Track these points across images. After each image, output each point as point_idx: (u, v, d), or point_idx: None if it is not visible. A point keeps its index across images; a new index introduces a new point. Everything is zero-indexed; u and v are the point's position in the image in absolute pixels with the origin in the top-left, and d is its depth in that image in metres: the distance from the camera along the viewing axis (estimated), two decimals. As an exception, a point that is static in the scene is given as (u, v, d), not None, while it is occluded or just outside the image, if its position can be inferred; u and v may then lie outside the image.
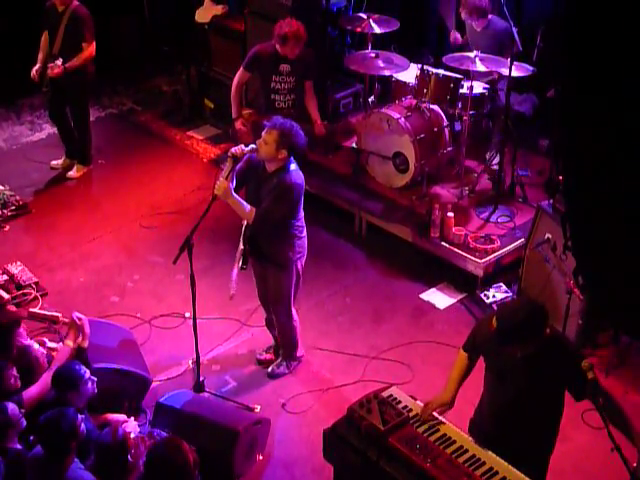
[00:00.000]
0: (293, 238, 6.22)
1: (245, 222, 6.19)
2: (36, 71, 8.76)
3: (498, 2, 7.75)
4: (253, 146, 5.95)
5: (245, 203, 6.01)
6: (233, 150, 5.95)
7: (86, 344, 5.84)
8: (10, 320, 5.96)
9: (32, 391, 5.51)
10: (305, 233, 6.30)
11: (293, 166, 6.05)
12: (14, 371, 5.49)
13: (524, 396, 4.69)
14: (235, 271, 6.26)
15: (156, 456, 4.84)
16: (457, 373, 5.07)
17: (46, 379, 5.54)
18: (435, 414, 5.02)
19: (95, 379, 5.51)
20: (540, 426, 4.85)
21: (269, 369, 6.81)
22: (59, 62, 8.50)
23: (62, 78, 8.57)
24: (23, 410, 5.25)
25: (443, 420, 5.02)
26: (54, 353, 6.09)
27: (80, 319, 5.87)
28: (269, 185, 6.01)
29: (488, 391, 4.97)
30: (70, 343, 5.81)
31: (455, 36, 8.68)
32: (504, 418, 4.85)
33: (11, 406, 5.15)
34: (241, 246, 6.25)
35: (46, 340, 6.45)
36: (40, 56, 8.79)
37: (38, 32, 8.82)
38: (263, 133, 5.96)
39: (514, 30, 7.60)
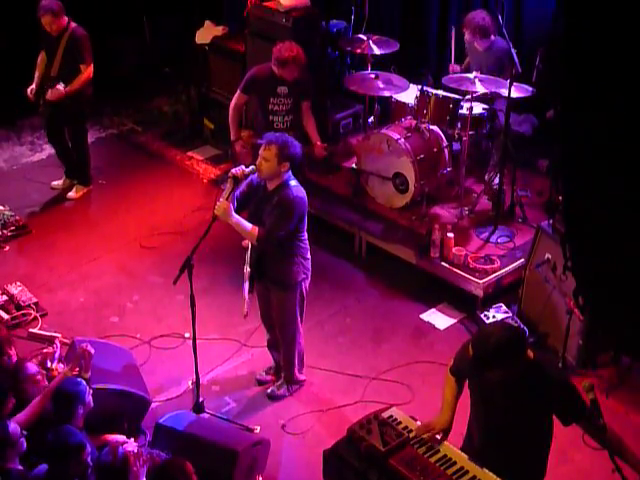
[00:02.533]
0: (299, 259, 6.22)
1: (250, 245, 6.20)
2: (31, 91, 8.78)
3: (498, 23, 7.78)
4: (253, 167, 5.97)
5: (247, 223, 6.01)
6: (233, 171, 5.96)
7: (87, 375, 5.85)
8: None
9: (23, 415, 5.48)
10: (309, 255, 6.31)
11: (293, 182, 6.07)
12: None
13: (509, 420, 4.67)
14: (246, 290, 6.27)
15: (160, 476, 4.83)
16: (450, 395, 5.02)
17: (39, 402, 5.52)
18: (438, 437, 5.00)
19: (91, 391, 5.52)
20: (529, 449, 4.81)
21: (269, 390, 6.79)
22: (60, 87, 8.51)
23: (60, 100, 8.59)
24: (25, 432, 5.23)
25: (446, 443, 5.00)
26: (55, 373, 6.08)
27: (84, 350, 5.88)
28: (271, 203, 6.02)
29: (474, 414, 4.95)
30: (68, 374, 5.81)
31: (454, 69, 8.71)
32: (492, 441, 4.83)
33: (12, 425, 5.14)
34: (247, 269, 6.25)
35: (48, 361, 6.42)
36: (36, 75, 8.82)
37: (38, 52, 8.85)
38: (261, 151, 5.98)
39: (513, 51, 7.63)
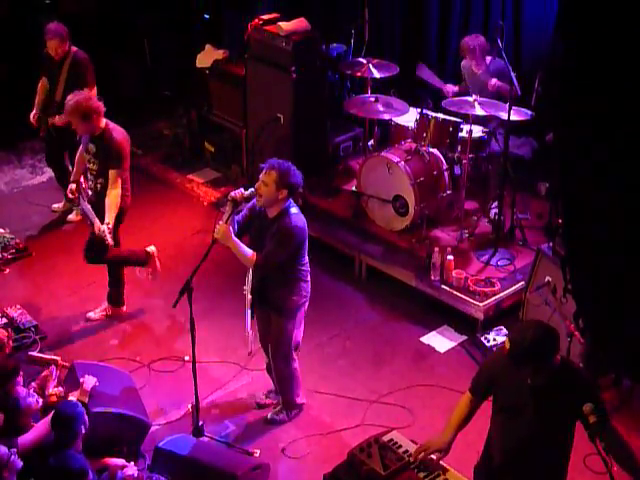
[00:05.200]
0: (299, 282, 6.23)
1: (251, 271, 6.20)
2: (34, 116, 8.82)
3: (497, 47, 7.82)
4: (252, 190, 5.98)
5: (245, 247, 6.01)
6: (233, 194, 5.97)
7: (86, 399, 5.85)
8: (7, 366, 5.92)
9: (29, 436, 5.48)
10: (309, 277, 6.31)
11: (294, 210, 6.07)
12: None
13: (537, 431, 4.65)
14: (248, 324, 6.30)
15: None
16: (457, 418, 5.02)
17: (43, 426, 5.52)
18: (434, 457, 4.98)
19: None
20: (552, 464, 4.81)
21: (268, 416, 6.75)
22: None
23: (66, 124, 8.61)
24: (14, 449, 5.20)
25: (445, 465, 4.98)
26: (53, 398, 6.07)
27: (84, 378, 5.90)
28: (271, 230, 6.02)
29: (499, 433, 4.90)
30: (72, 399, 5.82)
31: (450, 89, 8.75)
32: (517, 458, 4.80)
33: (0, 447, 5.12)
34: (249, 296, 6.25)
35: (50, 384, 6.41)
36: (37, 101, 8.84)
37: (37, 75, 8.87)
38: (261, 175, 5.99)
39: (512, 74, 7.66)
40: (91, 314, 7.83)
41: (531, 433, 4.68)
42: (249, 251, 6.01)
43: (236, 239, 5.97)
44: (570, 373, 4.63)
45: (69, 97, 7.18)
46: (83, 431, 5.38)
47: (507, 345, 4.54)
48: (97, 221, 7.07)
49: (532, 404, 4.63)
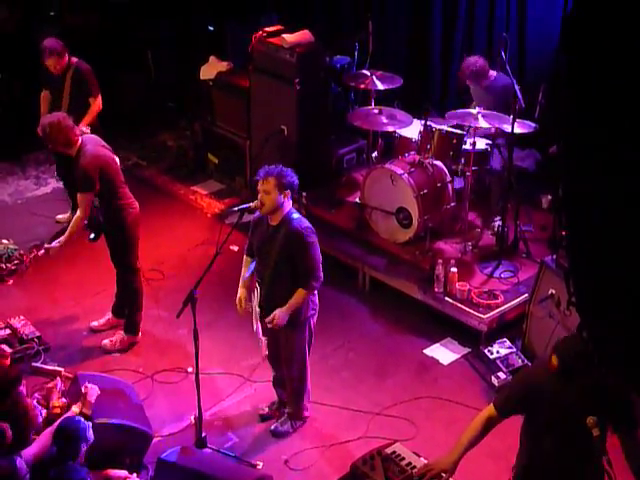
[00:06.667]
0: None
1: (257, 284, 6.21)
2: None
3: (501, 60, 7.84)
4: (257, 202, 6.03)
5: (294, 297, 6.13)
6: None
7: (89, 412, 5.84)
8: (9, 375, 5.92)
9: (32, 449, 5.47)
10: (316, 291, 6.33)
11: (296, 215, 6.15)
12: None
13: (578, 443, 4.64)
14: (260, 331, 6.31)
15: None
16: (471, 436, 4.90)
17: (45, 438, 5.51)
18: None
19: (90, 424, 5.49)
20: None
21: (272, 427, 6.74)
22: (85, 129, 8.33)
23: None
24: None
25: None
26: (57, 410, 6.07)
27: (87, 388, 5.90)
28: (277, 237, 6.07)
29: (547, 455, 4.81)
30: (76, 410, 5.81)
31: None
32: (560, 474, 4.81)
33: (19, 460, 5.14)
34: (257, 309, 6.27)
35: (53, 395, 6.41)
36: (43, 114, 8.84)
37: (40, 87, 8.90)
38: (259, 187, 6.04)
39: (517, 87, 7.68)
40: (94, 323, 7.82)
41: (571, 449, 4.68)
42: (296, 297, 6.13)
43: (286, 307, 6.10)
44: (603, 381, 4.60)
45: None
46: (84, 447, 5.34)
47: (555, 362, 4.53)
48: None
49: (572, 420, 4.59)
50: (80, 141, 7.10)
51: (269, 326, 6.17)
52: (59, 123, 7.04)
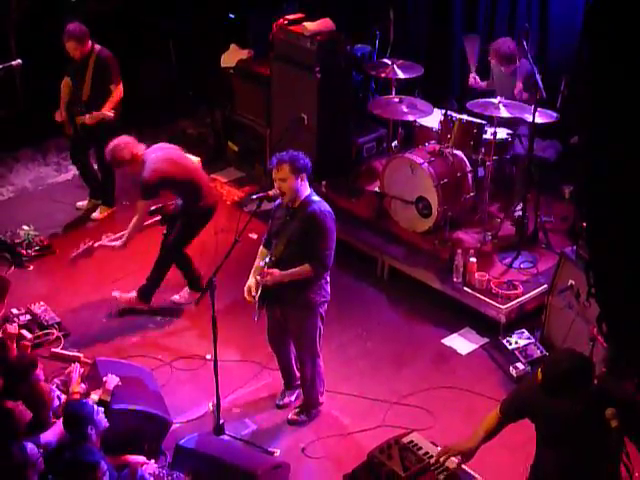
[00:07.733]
0: (320, 281, 6.24)
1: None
2: (60, 116, 8.88)
3: (523, 49, 7.79)
4: (269, 192, 6.11)
5: (293, 269, 6.08)
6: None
7: (109, 398, 5.88)
8: (25, 360, 5.97)
9: (49, 434, 5.51)
10: (329, 278, 6.31)
11: (316, 197, 6.16)
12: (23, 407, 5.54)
13: (582, 458, 4.61)
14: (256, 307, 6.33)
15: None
16: (484, 431, 4.94)
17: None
18: (455, 460, 4.96)
19: (102, 409, 5.51)
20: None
21: (289, 416, 6.76)
22: (109, 113, 8.63)
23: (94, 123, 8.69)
24: (41, 450, 5.25)
25: (464, 467, 4.97)
26: (76, 396, 6.10)
27: (106, 378, 5.96)
28: (295, 218, 6.11)
29: (547, 463, 4.83)
30: (95, 397, 5.85)
31: (475, 78, 8.70)
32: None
33: (30, 445, 5.17)
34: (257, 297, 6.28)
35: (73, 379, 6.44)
36: (62, 100, 8.89)
37: (61, 73, 8.94)
38: (274, 175, 6.07)
39: (538, 77, 7.63)
40: (116, 293, 7.95)
41: (575, 461, 4.64)
42: (299, 268, 6.08)
43: (284, 272, 6.06)
44: (606, 396, 4.56)
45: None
46: (92, 430, 5.34)
47: (540, 376, 4.50)
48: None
49: (572, 432, 4.58)
50: (143, 155, 7.55)
51: (258, 279, 6.20)
52: (119, 144, 7.53)
